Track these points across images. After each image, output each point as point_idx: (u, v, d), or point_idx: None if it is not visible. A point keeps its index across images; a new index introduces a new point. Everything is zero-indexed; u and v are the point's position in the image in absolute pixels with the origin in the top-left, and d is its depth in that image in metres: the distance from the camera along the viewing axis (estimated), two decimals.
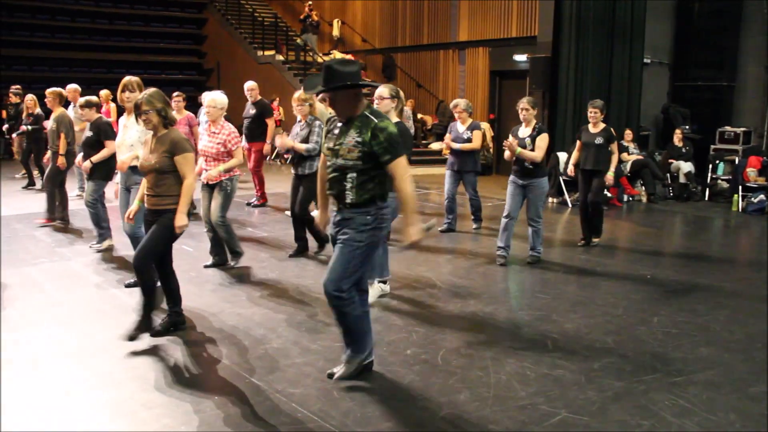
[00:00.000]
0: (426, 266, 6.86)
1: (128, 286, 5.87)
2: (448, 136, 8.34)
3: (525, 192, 6.89)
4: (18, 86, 12.33)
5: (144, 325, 4.68)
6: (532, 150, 6.75)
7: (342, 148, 3.84)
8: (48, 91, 8.38)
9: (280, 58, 18.90)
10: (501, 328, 5.14)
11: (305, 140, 6.84)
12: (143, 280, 4.69)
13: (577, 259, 7.33)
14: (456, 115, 8.60)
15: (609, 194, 10.76)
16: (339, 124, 3.93)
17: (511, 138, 6.86)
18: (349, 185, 3.84)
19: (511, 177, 6.99)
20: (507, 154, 6.89)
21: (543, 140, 6.81)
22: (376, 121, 3.80)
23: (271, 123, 9.98)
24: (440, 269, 6.78)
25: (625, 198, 11.27)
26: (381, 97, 5.58)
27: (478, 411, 3.74)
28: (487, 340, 4.86)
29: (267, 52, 19.28)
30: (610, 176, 7.65)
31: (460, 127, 8.46)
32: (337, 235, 3.94)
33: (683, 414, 3.73)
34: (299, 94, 6.97)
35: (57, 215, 8.37)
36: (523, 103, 6.91)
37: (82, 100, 7.01)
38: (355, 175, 3.82)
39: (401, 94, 5.72)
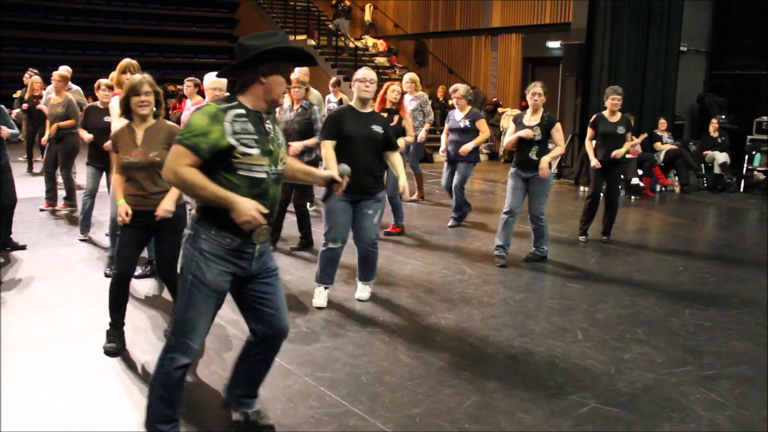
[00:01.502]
0: (456, 254, 6.85)
1: (108, 275, 5.61)
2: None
3: (527, 186, 6.39)
4: (36, 70, 12.33)
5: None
6: (542, 138, 6.32)
7: (282, 149, 3.00)
8: (55, 74, 8.38)
9: (312, 43, 18.90)
10: (530, 316, 5.12)
11: (305, 128, 6.42)
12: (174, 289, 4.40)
13: (608, 249, 7.26)
14: (454, 101, 7.88)
15: (642, 184, 10.63)
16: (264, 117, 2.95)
17: (510, 134, 6.50)
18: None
19: (513, 170, 6.46)
20: (509, 142, 6.45)
21: (560, 131, 6.42)
22: None
23: None
24: (469, 258, 6.76)
25: (658, 188, 11.12)
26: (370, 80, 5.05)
27: (507, 399, 3.73)
28: (516, 328, 4.84)
29: (299, 37, 19.29)
30: (620, 151, 7.21)
31: (458, 114, 7.79)
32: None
33: (714, 408, 3.69)
34: (296, 75, 6.63)
35: (57, 200, 8.41)
36: (537, 88, 6.33)
37: (104, 81, 6.83)
38: None
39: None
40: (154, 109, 4.23)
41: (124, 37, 20.45)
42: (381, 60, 18.37)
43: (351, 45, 18.33)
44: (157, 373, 2.98)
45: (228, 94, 2.94)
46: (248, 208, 2.74)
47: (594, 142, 7.52)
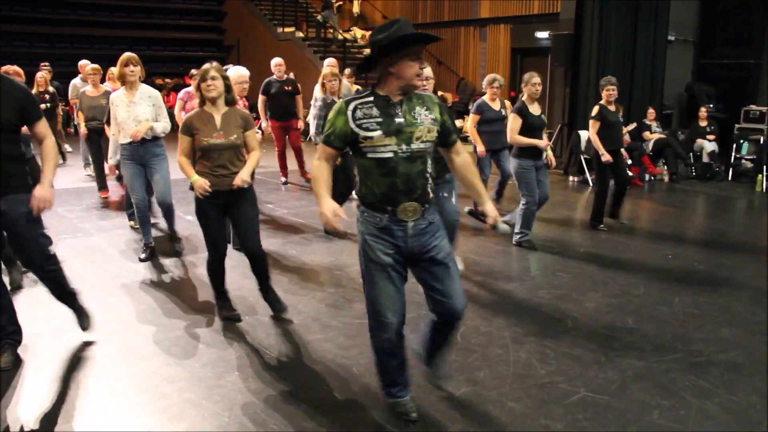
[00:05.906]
0: None
1: (144, 260, 6.12)
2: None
3: (537, 174, 6.67)
4: (47, 63, 12.31)
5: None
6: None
7: (418, 128, 3.09)
8: (90, 67, 8.48)
9: (300, 34, 18.83)
10: (521, 306, 5.13)
11: None
12: (264, 264, 4.78)
13: (598, 238, 7.28)
14: (492, 93, 8.11)
15: (631, 173, 10.66)
16: (394, 101, 3.09)
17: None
18: (428, 175, 3.17)
19: (528, 162, 6.59)
20: (527, 142, 6.57)
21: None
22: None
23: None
24: (460, 247, 6.75)
25: (647, 177, 11.15)
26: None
27: (498, 389, 3.75)
28: (506, 318, 4.86)
29: (287, 29, 19.21)
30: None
31: (495, 105, 8.04)
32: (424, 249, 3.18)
33: (704, 395, 3.72)
34: (331, 69, 6.91)
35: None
36: (539, 78, 6.63)
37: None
38: (430, 161, 3.18)
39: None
40: (226, 94, 4.53)
41: (110, 30, 20.29)
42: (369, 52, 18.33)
43: (339, 37, 18.27)
44: (373, 351, 3.36)
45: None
46: (324, 210, 3.05)
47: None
